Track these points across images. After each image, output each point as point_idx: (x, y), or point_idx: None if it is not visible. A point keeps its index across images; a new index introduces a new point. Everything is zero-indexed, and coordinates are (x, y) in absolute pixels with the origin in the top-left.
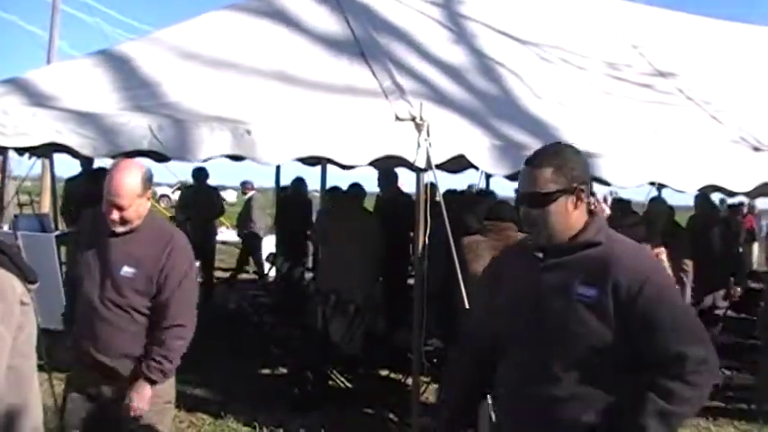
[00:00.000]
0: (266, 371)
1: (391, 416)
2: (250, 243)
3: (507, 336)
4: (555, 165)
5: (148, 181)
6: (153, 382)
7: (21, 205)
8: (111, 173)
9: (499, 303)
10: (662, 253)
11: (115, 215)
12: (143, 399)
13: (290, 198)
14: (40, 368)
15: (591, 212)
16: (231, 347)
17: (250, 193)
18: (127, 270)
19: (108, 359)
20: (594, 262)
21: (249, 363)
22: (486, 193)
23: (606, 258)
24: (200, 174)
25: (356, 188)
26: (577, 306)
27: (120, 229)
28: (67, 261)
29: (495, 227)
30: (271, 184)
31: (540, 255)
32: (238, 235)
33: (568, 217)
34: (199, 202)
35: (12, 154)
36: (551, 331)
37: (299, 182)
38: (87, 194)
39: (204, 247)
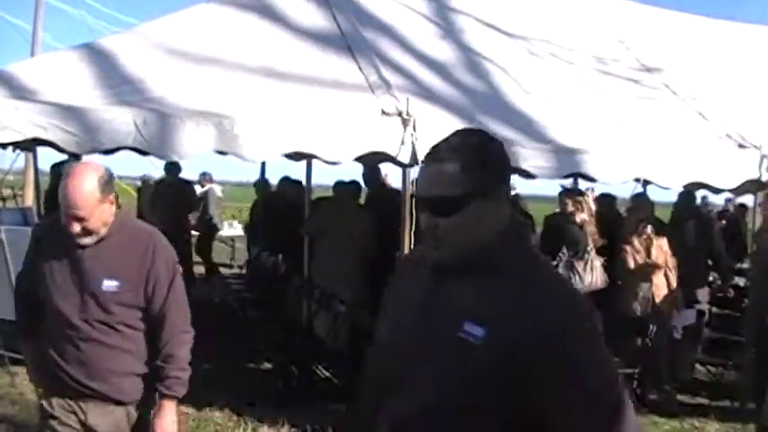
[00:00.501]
0: (251, 365)
1: None
2: (205, 235)
3: (380, 380)
4: (465, 159)
5: (108, 183)
6: (177, 398)
7: (3, 199)
8: (64, 181)
9: (379, 336)
10: (664, 244)
11: (76, 228)
12: (171, 424)
13: (280, 195)
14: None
15: (508, 226)
16: (215, 342)
17: (207, 186)
18: (109, 284)
19: (100, 383)
20: (495, 293)
21: (234, 357)
22: None
23: (510, 293)
24: (173, 168)
25: (352, 185)
26: (461, 345)
27: (85, 242)
28: (23, 267)
29: None
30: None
31: (436, 274)
32: (195, 228)
33: (479, 228)
34: (171, 197)
35: None
36: (427, 376)
37: (289, 181)
38: None
39: (177, 242)
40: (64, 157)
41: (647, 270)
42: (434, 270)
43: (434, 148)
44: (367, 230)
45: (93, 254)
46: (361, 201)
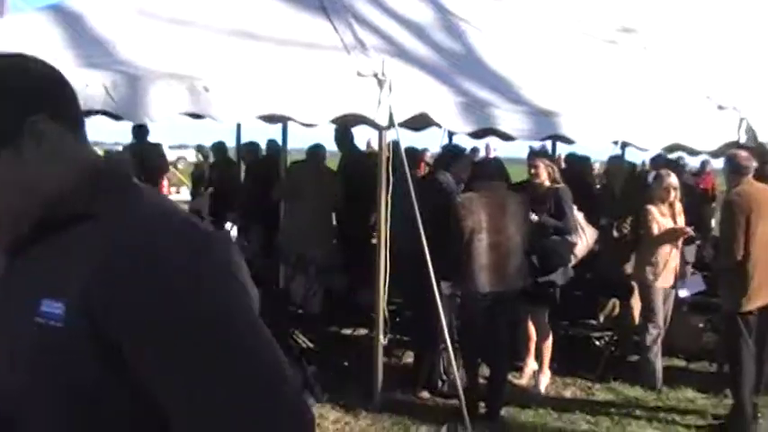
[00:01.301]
0: None
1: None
2: None
3: None
4: None
5: None
6: None
7: None
8: None
9: None
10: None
11: None
12: None
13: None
14: None
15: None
16: None
17: None
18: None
19: None
20: (78, 253)
21: None
22: (458, 150)
23: (97, 247)
24: (141, 131)
25: (315, 147)
26: (40, 334)
27: None
28: None
29: (486, 185)
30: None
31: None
32: None
33: (23, 177)
34: (141, 161)
35: None
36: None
37: (275, 144)
38: None
39: None
40: None
41: (673, 236)
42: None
43: None
44: (335, 193)
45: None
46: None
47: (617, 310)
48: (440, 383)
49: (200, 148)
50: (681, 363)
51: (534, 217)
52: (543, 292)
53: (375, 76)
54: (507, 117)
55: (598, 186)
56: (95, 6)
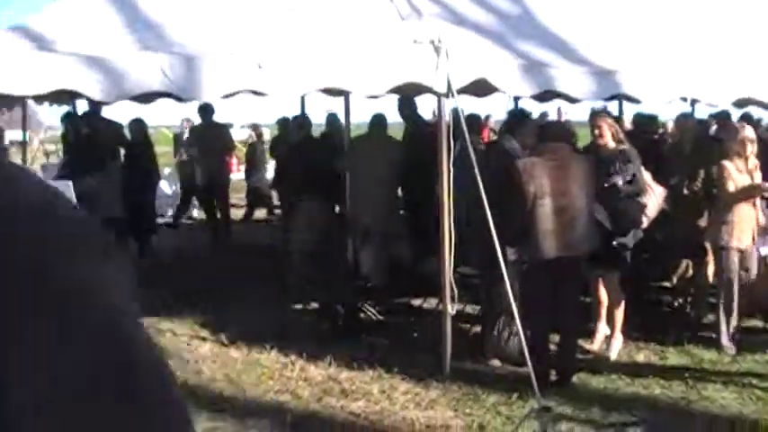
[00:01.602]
0: (297, 306)
1: (422, 345)
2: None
3: None
4: None
5: None
6: None
7: (47, 154)
8: None
9: None
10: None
11: None
12: None
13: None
14: None
15: None
16: (261, 285)
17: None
18: None
19: None
20: None
21: (280, 298)
22: (524, 115)
23: None
24: (207, 111)
25: (376, 118)
26: None
27: None
28: None
29: (549, 147)
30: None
31: None
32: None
33: None
34: (207, 140)
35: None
36: None
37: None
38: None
39: (215, 185)
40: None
41: (751, 193)
42: None
43: None
44: (399, 162)
45: None
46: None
47: (690, 272)
48: (509, 351)
49: (254, 127)
50: (759, 323)
51: (619, 180)
52: (615, 255)
53: (431, 42)
54: (568, 78)
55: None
56: None
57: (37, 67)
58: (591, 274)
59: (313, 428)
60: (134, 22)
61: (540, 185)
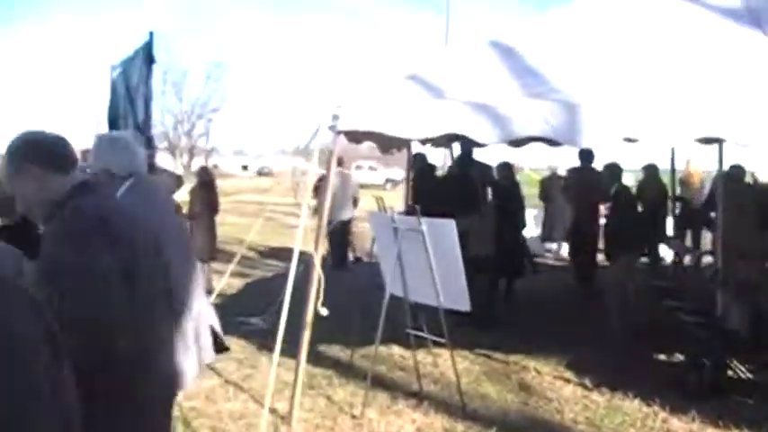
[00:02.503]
0: (662, 356)
1: None
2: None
3: None
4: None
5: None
6: None
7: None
8: None
9: None
10: None
11: None
12: None
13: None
14: None
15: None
16: (624, 331)
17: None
18: None
19: None
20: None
21: (645, 347)
22: None
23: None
24: (588, 156)
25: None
26: None
27: None
28: None
29: None
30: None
31: None
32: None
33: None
34: (584, 185)
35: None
36: None
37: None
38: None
39: (587, 232)
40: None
41: None
42: None
43: None
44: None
45: None
46: None
47: None
48: None
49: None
50: None
51: None
52: None
53: None
54: None
55: None
56: (526, 38)
57: (430, 112)
58: None
59: None
60: (518, 67)
61: None
